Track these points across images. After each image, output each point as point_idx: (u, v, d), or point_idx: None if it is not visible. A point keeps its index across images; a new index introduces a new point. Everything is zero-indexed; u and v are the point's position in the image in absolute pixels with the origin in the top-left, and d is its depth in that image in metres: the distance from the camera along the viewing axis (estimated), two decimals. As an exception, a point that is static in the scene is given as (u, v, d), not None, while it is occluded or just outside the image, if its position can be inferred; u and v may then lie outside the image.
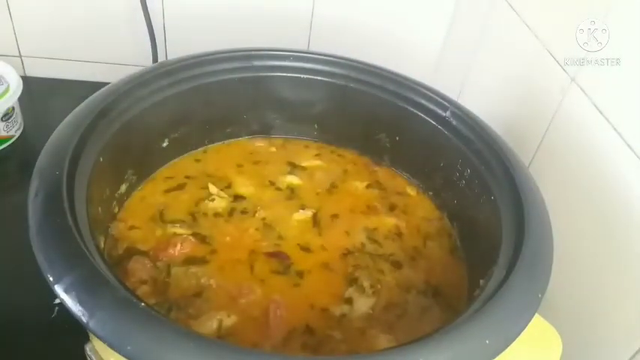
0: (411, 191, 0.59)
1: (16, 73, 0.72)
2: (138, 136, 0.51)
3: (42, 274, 0.34)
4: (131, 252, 0.48)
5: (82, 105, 0.47)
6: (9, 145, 0.72)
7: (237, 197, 0.55)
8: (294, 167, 0.60)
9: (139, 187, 0.54)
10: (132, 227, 0.50)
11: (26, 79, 0.75)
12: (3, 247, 0.58)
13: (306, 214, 0.54)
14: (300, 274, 0.48)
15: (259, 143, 0.63)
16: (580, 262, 0.51)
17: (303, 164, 0.61)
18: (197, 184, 0.56)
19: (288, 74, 0.59)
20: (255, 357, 0.32)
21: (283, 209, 0.54)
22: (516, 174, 0.47)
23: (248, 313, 0.44)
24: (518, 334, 0.35)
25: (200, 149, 0.60)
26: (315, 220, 0.54)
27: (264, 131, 0.63)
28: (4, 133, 0.71)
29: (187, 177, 0.57)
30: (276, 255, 0.49)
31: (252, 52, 0.57)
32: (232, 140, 0.62)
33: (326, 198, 0.57)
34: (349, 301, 0.47)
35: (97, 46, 0.83)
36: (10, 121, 0.71)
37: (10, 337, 0.50)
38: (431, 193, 0.59)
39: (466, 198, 0.53)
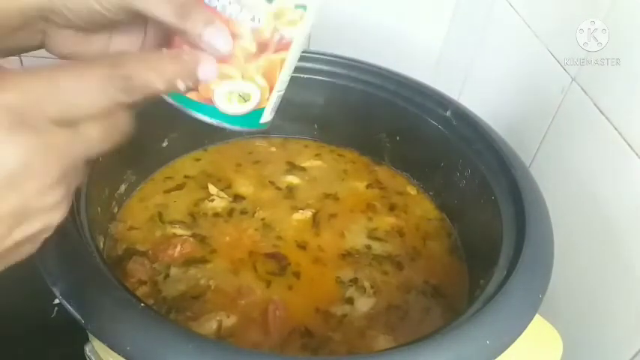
0: (412, 191, 0.59)
1: (16, 73, 0.72)
2: (137, 136, 0.51)
3: (41, 275, 0.33)
4: (130, 252, 0.48)
5: (82, 105, 0.47)
6: (8, 145, 0.72)
7: (237, 197, 0.55)
8: (293, 167, 0.60)
9: (139, 188, 0.54)
10: (131, 228, 0.50)
11: (26, 79, 0.75)
12: (2, 248, 0.58)
13: (305, 214, 0.54)
14: (298, 275, 0.48)
15: (259, 143, 0.63)
16: (580, 262, 0.51)
17: (303, 164, 0.60)
18: (197, 185, 0.56)
19: (288, 74, 0.59)
20: (254, 357, 0.32)
21: (283, 209, 0.54)
22: (517, 174, 0.47)
23: (247, 314, 0.44)
24: (519, 334, 0.35)
25: (200, 149, 0.60)
26: (315, 221, 0.54)
27: (264, 131, 0.63)
28: (3, 133, 0.71)
29: (187, 177, 0.56)
30: (274, 256, 0.49)
31: (252, 52, 0.57)
32: (232, 140, 0.62)
33: (326, 198, 0.57)
34: (350, 300, 0.46)
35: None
36: (9, 121, 0.70)
37: (10, 337, 0.50)
38: (431, 192, 0.59)
39: (466, 198, 0.52)
